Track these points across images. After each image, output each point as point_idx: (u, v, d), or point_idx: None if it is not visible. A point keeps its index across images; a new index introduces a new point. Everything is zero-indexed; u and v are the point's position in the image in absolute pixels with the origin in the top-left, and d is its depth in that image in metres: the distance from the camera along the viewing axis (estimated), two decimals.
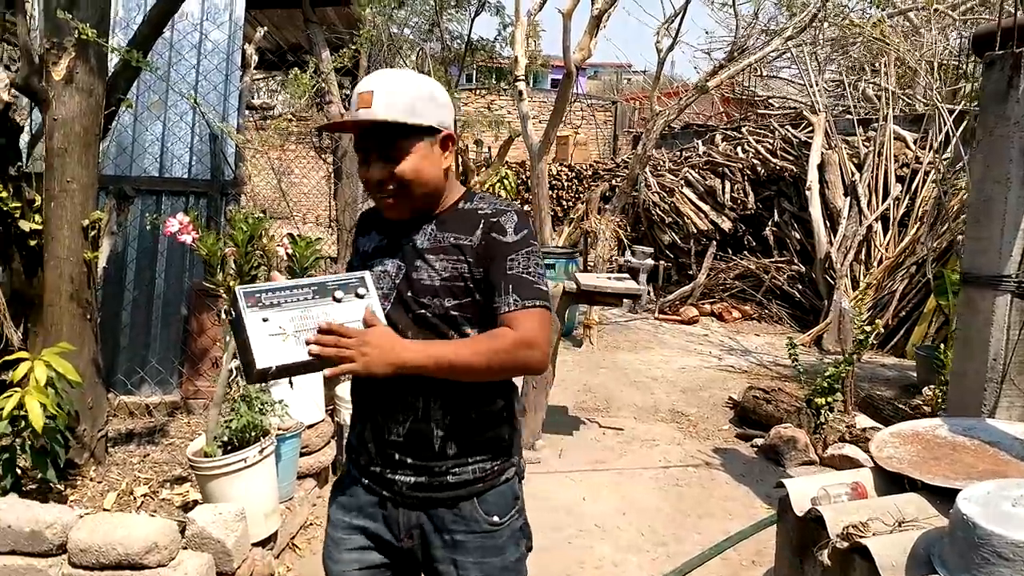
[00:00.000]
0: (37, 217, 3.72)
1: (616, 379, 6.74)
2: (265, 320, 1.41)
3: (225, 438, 3.26)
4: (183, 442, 4.34)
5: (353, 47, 4.71)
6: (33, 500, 3.42)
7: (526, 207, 10.06)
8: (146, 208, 4.82)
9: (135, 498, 3.73)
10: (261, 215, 3.02)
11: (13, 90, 3.56)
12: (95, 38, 3.45)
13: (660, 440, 5.28)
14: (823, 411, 5.24)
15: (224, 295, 2.98)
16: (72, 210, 3.67)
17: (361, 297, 1.53)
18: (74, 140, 3.61)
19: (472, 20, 14.75)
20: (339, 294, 1.51)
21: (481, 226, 1.57)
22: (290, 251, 2.84)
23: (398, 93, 1.54)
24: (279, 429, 3.47)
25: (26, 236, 3.72)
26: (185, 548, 2.92)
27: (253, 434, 3.19)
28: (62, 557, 2.90)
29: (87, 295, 3.81)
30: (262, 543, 3.29)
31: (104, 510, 3.49)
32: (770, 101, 12.90)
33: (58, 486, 3.74)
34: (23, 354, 3.35)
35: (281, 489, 3.55)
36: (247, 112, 11.54)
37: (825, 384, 5.28)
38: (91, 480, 3.90)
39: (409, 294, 1.58)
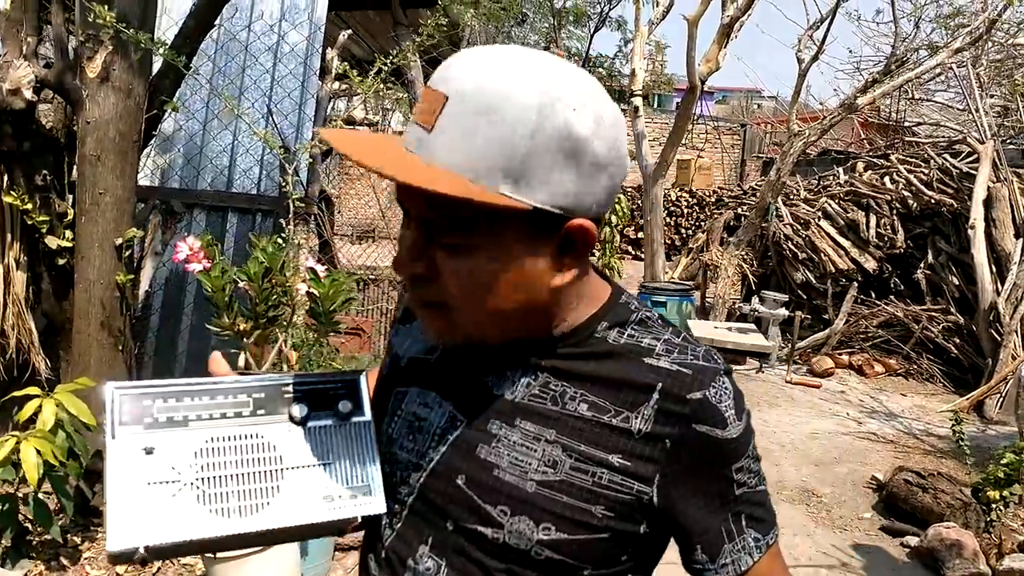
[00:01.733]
0: (68, 233, 3.30)
1: None
2: (148, 452, 0.79)
3: None
4: None
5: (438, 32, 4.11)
6: (31, 562, 2.97)
7: (639, 235, 9.26)
8: (211, 226, 4.40)
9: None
10: (281, 242, 2.43)
11: (42, 88, 3.15)
12: (135, 34, 2.98)
13: (786, 527, 4.34)
14: (996, 507, 4.18)
15: (230, 337, 2.39)
16: (104, 226, 3.23)
17: (343, 418, 0.87)
18: (108, 146, 3.17)
19: (591, 36, 14.21)
20: (299, 410, 0.85)
21: (657, 400, 0.80)
22: (312, 289, 2.23)
23: (491, 118, 0.71)
24: None
25: (55, 254, 3.30)
26: None
27: None
28: None
29: (119, 322, 3.36)
30: None
31: None
32: (919, 127, 11.60)
33: (73, 539, 3.30)
34: (33, 390, 2.91)
35: (309, 572, 2.94)
36: (348, 127, 11.38)
37: (1000, 473, 4.22)
38: None
39: (461, 483, 0.84)
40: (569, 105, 0.73)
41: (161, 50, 3.00)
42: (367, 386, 0.90)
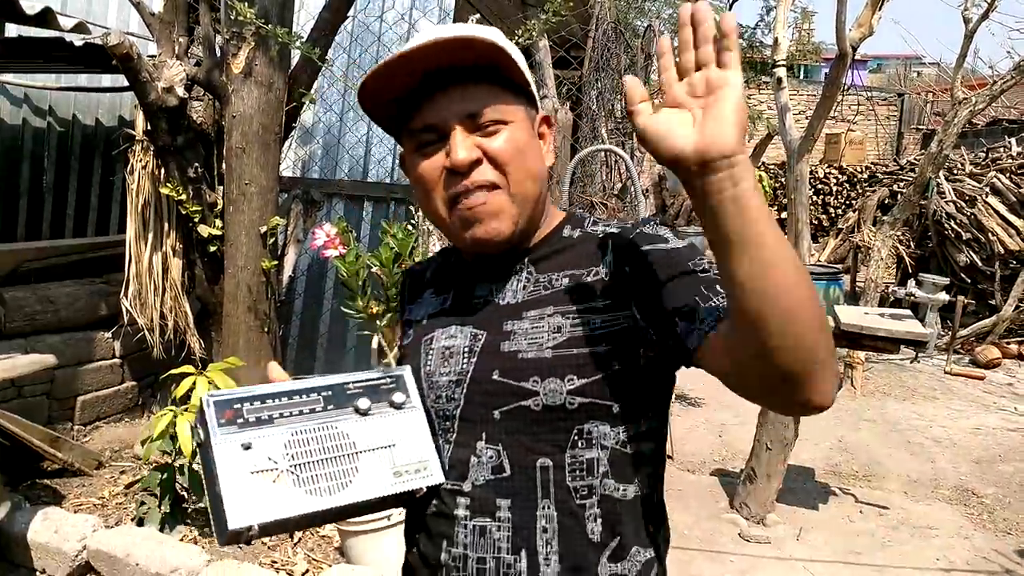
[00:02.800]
0: (218, 222, 3.50)
1: (883, 437, 5.43)
2: (246, 447, 0.94)
3: None
4: None
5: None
6: (185, 527, 3.20)
7: (782, 215, 8.82)
8: (348, 214, 4.56)
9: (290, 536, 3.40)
10: (411, 228, 2.46)
11: (193, 85, 3.35)
12: (274, 29, 3.11)
13: (940, 529, 4.03)
14: None
15: (364, 319, 2.46)
16: (250, 215, 3.41)
17: (398, 407, 1.05)
18: (252, 139, 3.34)
19: (730, 4, 13.58)
20: (363, 403, 1.03)
21: (612, 250, 1.04)
22: None
23: (483, 30, 1.04)
24: None
25: (207, 241, 3.51)
26: None
27: None
28: None
29: (265, 306, 3.54)
30: None
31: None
32: None
33: None
34: (188, 368, 3.12)
35: None
36: None
37: None
38: None
39: (496, 377, 1.02)
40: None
41: (298, 43, 3.11)
42: (412, 380, 1.08)
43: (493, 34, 1.02)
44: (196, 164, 3.36)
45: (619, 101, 6.96)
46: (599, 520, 1.00)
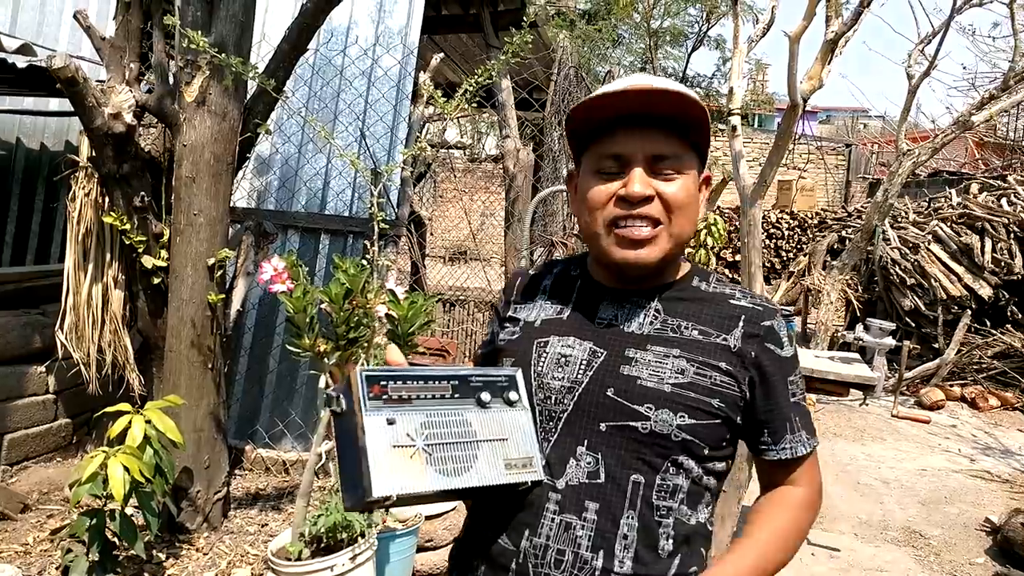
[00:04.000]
0: (164, 253, 3.38)
1: (834, 479, 5.46)
2: (391, 423, 1.02)
3: (318, 534, 2.64)
4: (320, 506, 3.84)
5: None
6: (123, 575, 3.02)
7: (737, 257, 8.95)
8: (304, 247, 4.46)
9: None
10: (365, 263, 2.39)
11: (143, 112, 3.25)
12: (229, 59, 3.05)
13: (889, 571, 4.04)
14: None
15: (311, 358, 2.37)
16: (197, 246, 3.30)
17: (511, 404, 1.14)
18: (203, 168, 3.25)
19: (689, 56, 13.94)
20: (485, 396, 1.11)
21: (743, 326, 1.20)
22: (391, 311, 2.17)
23: (685, 89, 1.17)
24: (386, 525, 2.80)
25: (151, 273, 3.39)
26: None
27: (346, 535, 2.54)
28: None
29: (210, 341, 3.42)
30: None
31: None
32: None
33: (158, 556, 3.34)
34: (124, 406, 2.97)
35: None
36: (449, 151, 11.47)
37: None
38: (198, 551, 3.46)
39: (611, 394, 1.15)
40: None
41: (252, 73, 3.04)
42: (523, 382, 1.17)
43: (694, 97, 1.16)
44: (143, 193, 3.24)
45: None
46: (670, 539, 1.14)
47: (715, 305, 1.22)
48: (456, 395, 1.10)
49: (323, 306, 2.31)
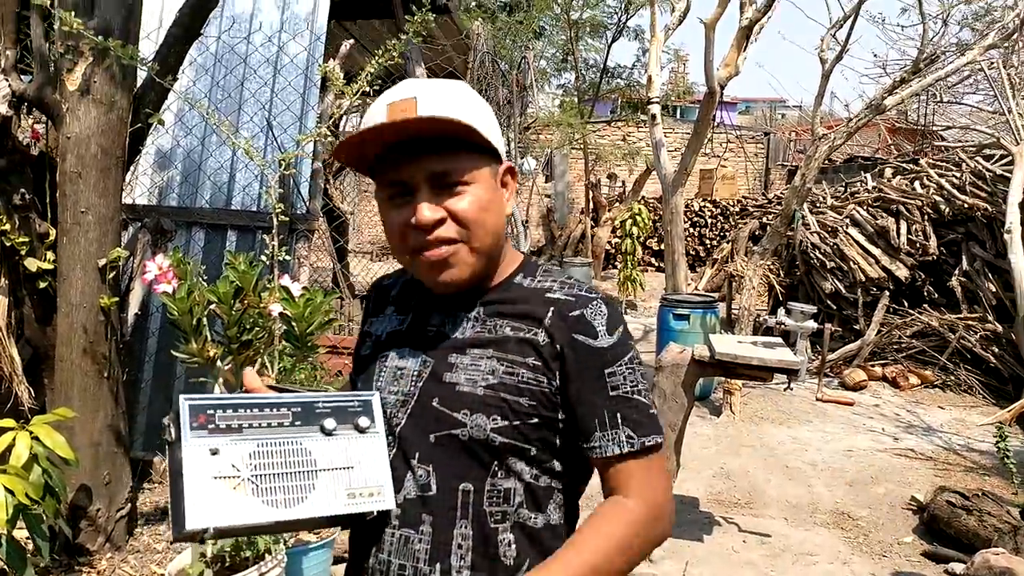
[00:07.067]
0: (50, 255, 3.13)
1: (763, 463, 5.50)
2: (213, 452, 1.01)
3: (220, 553, 2.46)
4: None
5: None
6: None
7: (661, 246, 9.01)
8: (210, 244, 4.23)
9: None
10: (263, 260, 2.22)
11: (22, 103, 3.00)
12: (113, 44, 2.82)
13: (820, 554, 4.06)
14: None
15: (200, 364, 2.19)
16: (86, 247, 3.06)
17: (362, 431, 1.11)
18: (90, 163, 3.01)
19: (609, 47, 14.00)
20: (329, 423, 1.09)
21: (551, 316, 1.15)
22: (285, 310, 2.01)
23: (451, 96, 1.13)
24: (299, 539, 2.64)
25: (36, 277, 3.13)
26: None
27: (251, 552, 2.37)
28: None
29: (104, 348, 3.18)
30: None
31: None
32: (948, 131, 11.21)
33: None
34: (8, 422, 2.72)
35: None
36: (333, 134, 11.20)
37: None
38: (98, 573, 3.23)
39: (436, 404, 1.14)
40: (478, 96, 1.20)
41: (132, 56, 2.82)
42: (379, 405, 1.15)
43: (466, 103, 1.12)
44: (23, 190, 2.99)
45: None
46: (512, 545, 1.12)
47: (530, 300, 1.18)
48: (297, 423, 1.07)
49: (212, 307, 2.13)
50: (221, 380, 2.22)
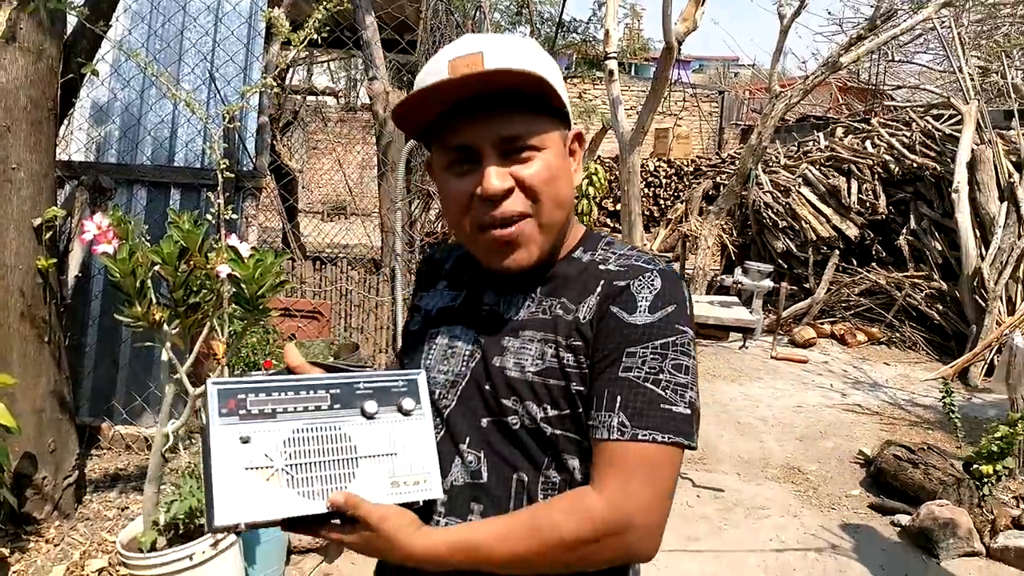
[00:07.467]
0: None
1: (715, 419, 5.58)
2: (244, 441, 0.92)
3: (173, 520, 2.39)
4: (175, 490, 3.55)
5: None
6: None
7: (618, 207, 9.00)
8: (153, 203, 4.06)
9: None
10: (209, 219, 2.12)
11: None
12: None
13: (771, 508, 4.15)
14: (988, 482, 4.00)
15: (145, 328, 2.09)
16: (19, 206, 2.91)
17: (406, 414, 1.02)
18: (19, 115, 2.84)
19: (564, 1, 13.80)
20: (371, 406, 1.00)
21: (600, 290, 1.05)
22: (234, 272, 1.91)
23: (520, 49, 1.03)
24: None
25: None
26: None
27: (206, 519, 2.30)
28: None
29: (44, 312, 3.05)
30: None
31: None
32: (899, 91, 11.37)
33: (1, 550, 3.01)
34: None
35: None
36: (308, 97, 10.90)
37: (994, 448, 4.03)
38: (47, 542, 3.13)
39: (487, 387, 1.06)
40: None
41: (60, 0, 2.65)
42: (426, 385, 1.05)
43: (536, 58, 1.02)
44: None
45: None
46: None
47: (584, 276, 1.08)
48: (335, 406, 0.99)
49: (156, 268, 2.03)
50: (169, 345, 2.13)
